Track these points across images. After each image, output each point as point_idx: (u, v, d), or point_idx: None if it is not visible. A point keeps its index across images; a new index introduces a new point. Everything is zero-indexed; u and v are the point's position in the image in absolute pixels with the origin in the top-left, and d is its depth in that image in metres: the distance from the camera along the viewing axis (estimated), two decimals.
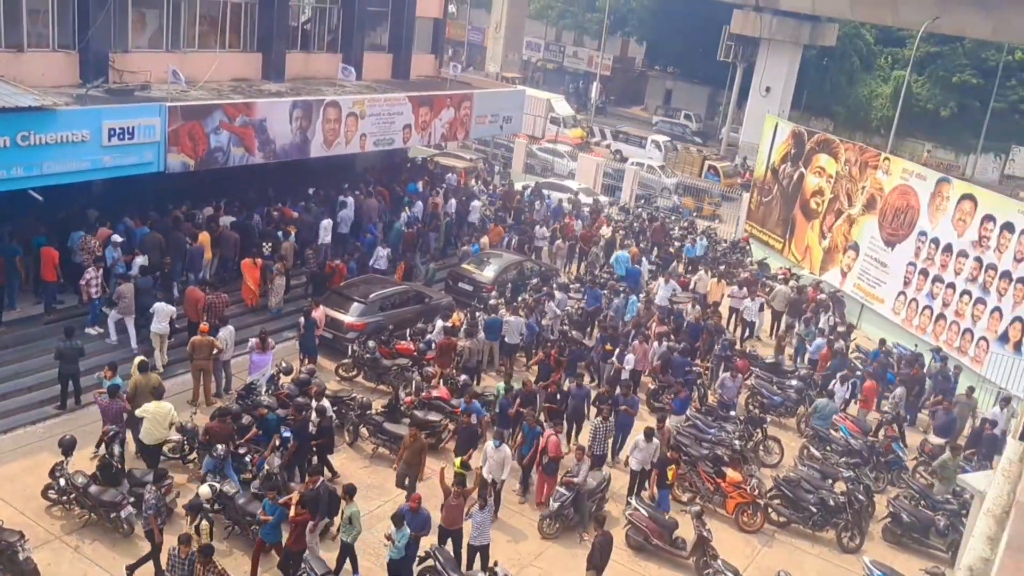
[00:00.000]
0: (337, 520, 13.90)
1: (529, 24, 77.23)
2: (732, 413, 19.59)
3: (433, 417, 17.47)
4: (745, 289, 26.19)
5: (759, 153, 36.55)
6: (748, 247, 33.91)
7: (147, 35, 22.81)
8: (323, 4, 27.52)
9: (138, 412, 15.02)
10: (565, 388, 18.73)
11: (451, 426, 17.63)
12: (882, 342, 23.96)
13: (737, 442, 17.96)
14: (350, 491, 13.38)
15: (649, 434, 16.42)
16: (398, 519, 13.01)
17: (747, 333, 25.86)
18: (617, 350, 20.81)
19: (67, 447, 14.28)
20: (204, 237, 21.36)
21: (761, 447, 19.25)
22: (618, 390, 18.54)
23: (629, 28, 72.22)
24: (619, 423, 17.79)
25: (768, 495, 17.06)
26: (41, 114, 16.76)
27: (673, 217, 37.78)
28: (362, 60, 28.22)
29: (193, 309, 19.03)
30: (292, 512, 12.91)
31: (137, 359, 16.49)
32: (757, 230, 35.04)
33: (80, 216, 20.58)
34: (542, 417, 17.66)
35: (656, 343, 21.35)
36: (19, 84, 17.72)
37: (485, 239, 27.93)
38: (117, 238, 19.76)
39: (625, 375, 20.12)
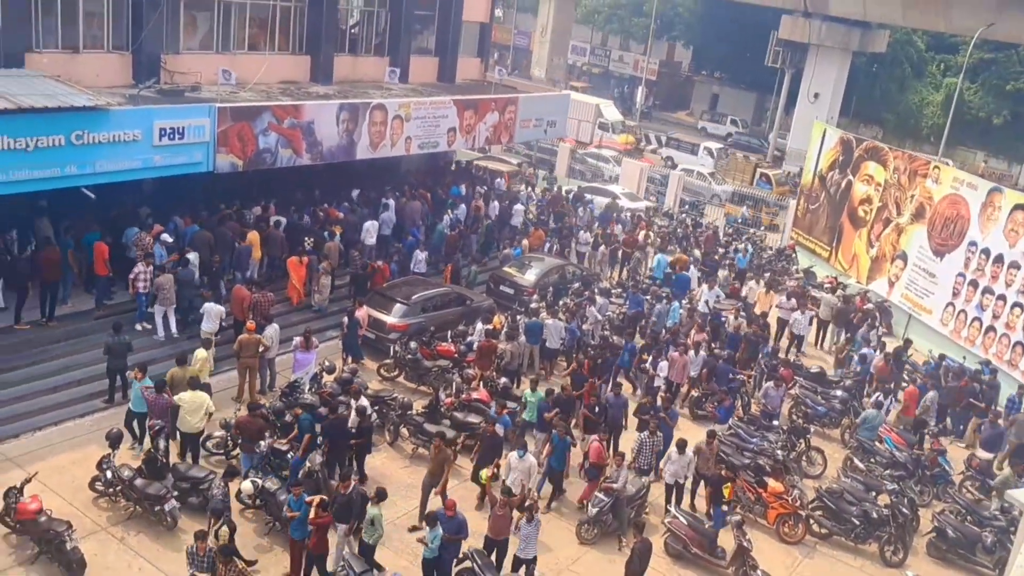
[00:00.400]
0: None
1: (575, 28, 77.15)
2: (775, 423, 19.40)
3: (473, 419, 17.51)
4: (794, 300, 25.66)
5: (806, 160, 36.14)
6: (794, 255, 33.53)
7: (198, 37, 23.21)
8: (371, 8, 27.76)
9: (175, 399, 15.39)
10: (603, 399, 18.44)
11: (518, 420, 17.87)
12: (941, 357, 23.57)
13: (779, 452, 17.77)
14: (380, 495, 13.42)
15: (682, 446, 16.15)
16: (431, 520, 13.14)
17: (796, 346, 25.14)
18: (651, 357, 20.59)
19: (114, 440, 14.56)
20: (253, 236, 21.62)
21: (804, 458, 19.01)
22: (658, 400, 18.41)
23: (676, 32, 71.86)
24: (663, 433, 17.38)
25: (810, 506, 16.85)
26: (95, 114, 17.11)
27: (720, 224, 37.46)
28: (408, 63, 28.43)
29: (239, 307, 19.29)
30: (312, 514, 12.86)
31: (202, 349, 17.08)
32: (803, 237, 34.62)
33: (132, 214, 20.95)
34: (573, 425, 17.61)
35: (693, 352, 21.01)
36: (74, 84, 18.11)
37: (526, 242, 27.96)
38: (167, 237, 20.11)
39: (659, 382, 19.91)
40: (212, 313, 18.65)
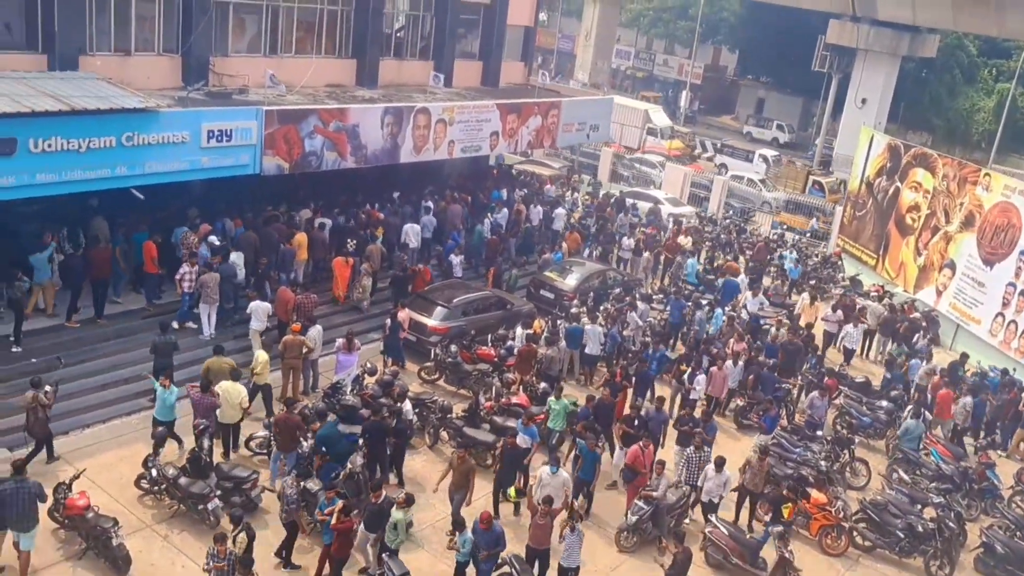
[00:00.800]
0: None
1: (619, 32, 76.90)
2: (819, 433, 19.14)
3: (512, 423, 17.47)
4: (840, 312, 25.10)
5: (853, 166, 35.70)
6: (840, 262, 33.08)
7: (246, 40, 23.52)
8: (416, 12, 27.92)
9: (215, 389, 15.73)
10: (643, 412, 18.02)
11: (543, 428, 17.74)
12: (1004, 372, 23.15)
13: (823, 463, 17.53)
14: (408, 500, 13.38)
15: (720, 464, 15.69)
16: (459, 524, 13.23)
17: (846, 360, 24.42)
18: (688, 369, 20.22)
19: (159, 439, 14.79)
20: (300, 238, 21.86)
21: (848, 469, 18.74)
22: (696, 412, 18.16)
23: (721, 36, 71.30)
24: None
25: (854, 518, 16.60)
26: (145, 115, 17.41)
27: (766, 230, 37.05)
28: (453, 67, 28.54)
29: (283, 309, 19.50)
30: (334, 520, 12.85)
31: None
32: (850, 245, 34.18)
33: (182, 214, 21.28)
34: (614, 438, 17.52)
35: (731, 363, 20.57)
36: (126, 86, 18.44)
37: (565, 246, 27.93)
38: (214, 238, 20.38)
39: (695, 395, 19.54)
40: (259, 311, 18.94)
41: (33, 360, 17.08)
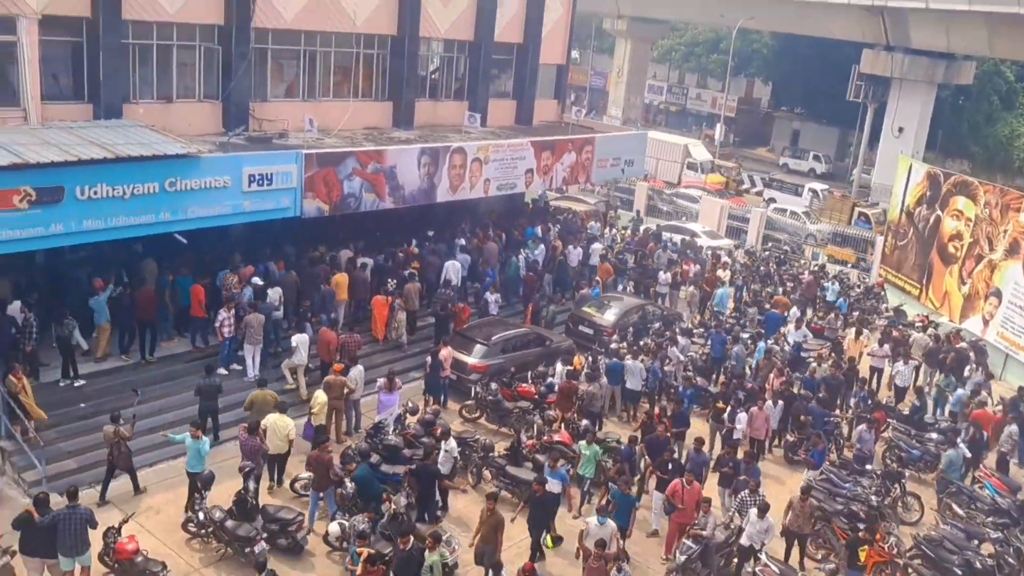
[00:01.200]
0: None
1: (651, 67, 77.20)
2: (869, 467, 18.70)
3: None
4: (887, 347, 24.34)
5: (892, 195, 35.30)
6: (883, 292, 32.61)
7: (285, 85, 23.94)
8: (451, 54, 28.27)
9: (263, 423, 15.96)
10: (681, 456, 17.64)
11: (572, 472, 17.48)
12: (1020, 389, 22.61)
13: (874, 497, 17.11)
14: (435, 537, 13.27)
15: (764, 509, 15.06)
16: (496, 569, 13.13)
17: (896, 397, 23.38)
18: (728, 406, 19.65)
19: (205, 482, 14.84)
20: (341, 279, 22.03)
21: (900, 503, 18.30)
22: (739, 453, 17.59)
23: (754, 69, 71.38)
24: (738, 489, 16.59)
25: (908, 554, 16.15)
26: (187, 161, 17.71)
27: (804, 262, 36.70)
28: (487, 107, 28.81)
29: (326, 350, 19.60)
30: (360, 569, 12.69)
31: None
32: (892, 275, 33.69)
33: (226, 257, 21.58)
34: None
35: (771, 402, 19.85)
36: (168, 133, 18.81)
37: (599, 279, 27.84)
38: (258, 280, 20.59)
39: (738, 435, 18.97)
40: (302, 343, 19.12)
41: (82, 405, 17.36)
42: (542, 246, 28.33)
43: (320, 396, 17.64)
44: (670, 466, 16.68)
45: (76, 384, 17.76)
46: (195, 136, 19.98)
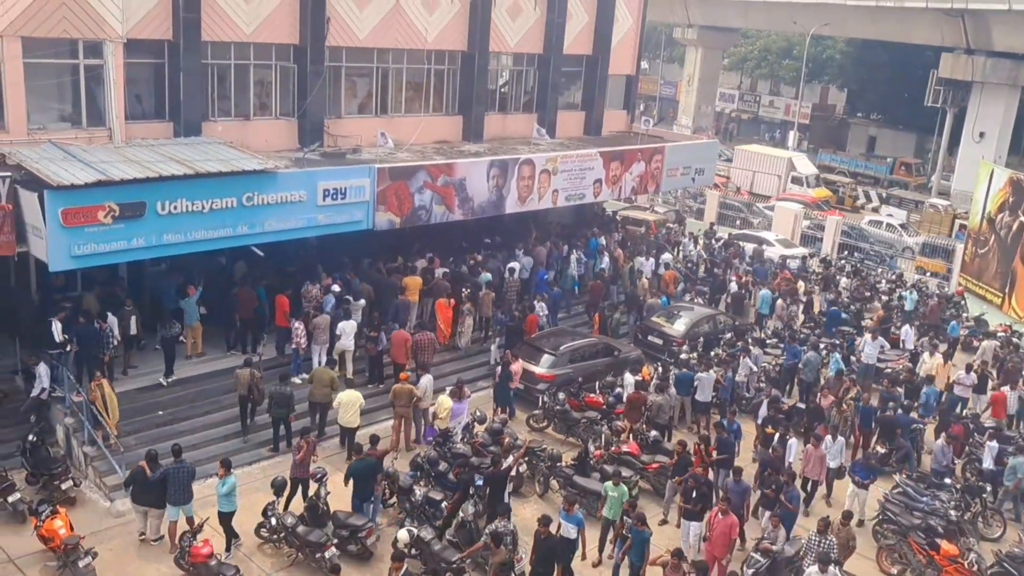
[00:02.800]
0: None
1: (722, 75, 76.46)
2: (948, 481, 18.17)
3: (624, 472, 17.29)
4: (973, 376, 22.56)
5: (973, 202, 34.36)
6: (963, 302, 31.70)
7: (358, 102, 24.45)
8: (520, 67, 28.52)
9: (334, 403, 17.98)
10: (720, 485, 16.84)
11: (642, 483, 17.42)
12: None
13: (953, 512, 16.66)
14: (496, 540, 13.48)
15: (825, 560, 13.75)
16: None
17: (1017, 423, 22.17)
18: (776, 433, 18.30)
19: (278, 488, 15.23)
20: (413, 281, 22.50)
21: (980, 519, 17.76)
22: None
23: (828, 76, 70.14)
24: (783, 517, 15.52)
25: (989, 572, 15.67)
26: (264, 177, 18.28)
27: (880, 271, 35.80)
28: (556, 119, 28.99)
29: (400, 350, 20.13)
30: None
31: None
32: (972, 283, 32.76)
33: (307, 269, 22.24)
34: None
35: (831, 438, 18.00)
36: (246, 149, 19.42)
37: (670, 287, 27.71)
38: (336, 288, 21.08)
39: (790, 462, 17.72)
40: (347, 330, 19.86)
41: (160, 413, 18.10)
42: (606, 257, 28.17)
43: (446, 401, 18.38)
44: (694, 494, 15.58)
45: (167, 382, 18.87)
46: (272, 152, 20.56)
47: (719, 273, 30.18)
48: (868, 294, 30.74)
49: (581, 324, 25.79)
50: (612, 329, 25.06)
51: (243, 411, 18.22)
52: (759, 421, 19.58)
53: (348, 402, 17.92)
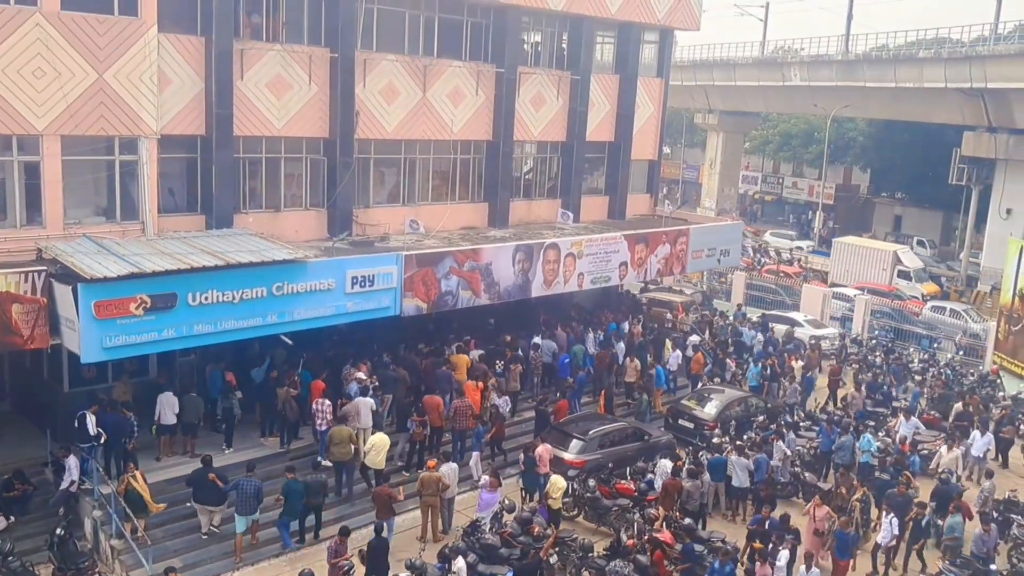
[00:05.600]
0: None
1: (744, 157, 77.17)
2: (993, 567, 17.51)
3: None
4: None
5: (1004, 279, 34.01)
6: (999, 380, 31.07)
7: (386, 191, 24.91)
8: (544, 154, 28.99)
9: (364, 447, 18.92)
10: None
11: (675, 573, 16.95)
12: None
13: None
14: None
15: None
16: None
17: None
18: (766, 547, 17.09)
19: None
20: (460, 360, 23.09)
21: None
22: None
23: (851, 157, 70.58)
24: None
25: None
26: (293, 266, 18.52)
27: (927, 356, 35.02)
28: (580, 204, 29.36)
29: (435, 414, 20.73)
30: None
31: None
32: (1007, 362, 32.20)
33: (343, 354, 22.43)
34: None
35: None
36: (276, 240, 19.73)
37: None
38: (361, 376, 21.04)
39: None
40: (364, 406, 19.89)
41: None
42: (621, 344, 27.76)
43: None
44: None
45: (227, 451, 19.62)
46: (302, 242, 20.92)
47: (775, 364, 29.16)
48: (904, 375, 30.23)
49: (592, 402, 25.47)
50: (640, 412, 24.75)
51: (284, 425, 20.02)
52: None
53: (380, 445, 18.82)
